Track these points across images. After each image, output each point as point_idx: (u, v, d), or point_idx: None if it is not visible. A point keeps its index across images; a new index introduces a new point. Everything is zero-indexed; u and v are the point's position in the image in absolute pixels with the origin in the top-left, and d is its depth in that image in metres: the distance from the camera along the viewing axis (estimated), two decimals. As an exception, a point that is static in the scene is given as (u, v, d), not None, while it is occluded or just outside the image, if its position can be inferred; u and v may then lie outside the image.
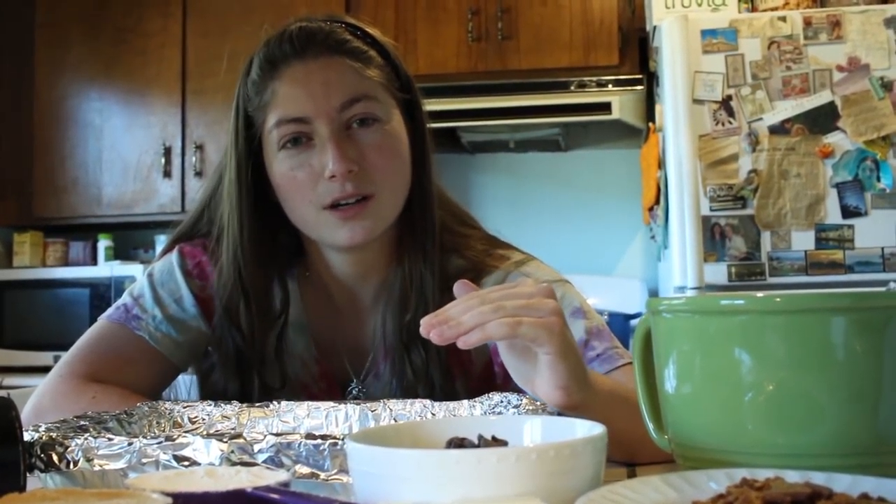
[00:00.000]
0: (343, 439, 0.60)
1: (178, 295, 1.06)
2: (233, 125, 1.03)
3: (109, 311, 1.07)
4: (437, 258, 1.04)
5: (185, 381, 1.24)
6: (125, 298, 1.07)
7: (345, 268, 1.07)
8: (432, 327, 0.69)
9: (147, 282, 1.07)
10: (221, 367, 1.05)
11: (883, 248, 2.23)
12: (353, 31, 1.05)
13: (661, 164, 2.48)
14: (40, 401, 0.97)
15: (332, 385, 1.09)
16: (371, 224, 0.99)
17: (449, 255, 1.07)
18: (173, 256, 1.08)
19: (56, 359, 2.98)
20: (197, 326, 1.06)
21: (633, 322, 2.67)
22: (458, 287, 0.75)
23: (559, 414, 0.72)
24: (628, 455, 0.80)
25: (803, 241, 2.25)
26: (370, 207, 0.99)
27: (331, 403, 0.86)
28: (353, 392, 1.08)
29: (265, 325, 1.04)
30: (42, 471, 0.64)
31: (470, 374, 1.07)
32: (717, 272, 2.26)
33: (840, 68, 2.27)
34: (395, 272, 1.06)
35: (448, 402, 0.84)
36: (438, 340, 0.69)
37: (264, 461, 0.61)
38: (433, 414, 0.83)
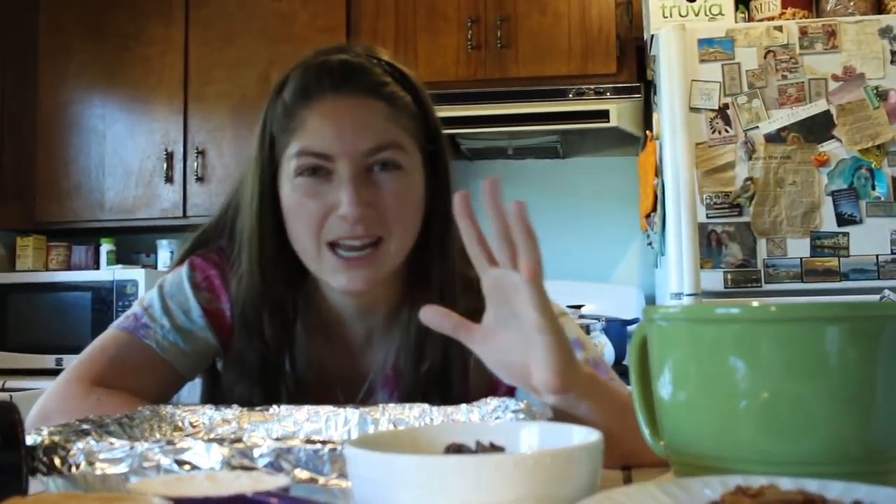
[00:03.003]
0: (342, 444, 0.61)
1: (187, 307, 1.06)
2: (258, 139, 1.03)
3: (119, 319, 1.07)
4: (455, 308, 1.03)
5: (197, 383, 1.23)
6: (135, 308, 1.08)
7: (344, 302, 1.07)
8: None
9: (157, 293, 1.08)
10: (246, 379, 1.04)
11: (877, 256, 2.24)
12: (392, 72, 1.03)
13: (659, 172, 2.49)
14: (46, 403, 0.98)
15: None
16: (372, 274, 0.99)
17: (466, 297, 1.04)
18: (184, 269, 1.09)
19: (58, 362, 2.96)
20: (204, 338, 1.07)
21: (630, 328, 2.68)
22: None
23: (555, 419, 0.73)
24: (616, 446, 0.78)
25: (799, 248, 2.26)
26: (377, 256, 0.98)
27: (330, 408, 0.87)
28: None
29: (285, 335, 1.05)
30: (44, 474, 0.64)
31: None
32: (714, 279, 2.27)
33: (835, 77, 2.28)
34: (405, 315, 1.05)
35: (446, 407, 0.85)
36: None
37: (264, 466, 0.62)
38: (431, 419, 0.84)
